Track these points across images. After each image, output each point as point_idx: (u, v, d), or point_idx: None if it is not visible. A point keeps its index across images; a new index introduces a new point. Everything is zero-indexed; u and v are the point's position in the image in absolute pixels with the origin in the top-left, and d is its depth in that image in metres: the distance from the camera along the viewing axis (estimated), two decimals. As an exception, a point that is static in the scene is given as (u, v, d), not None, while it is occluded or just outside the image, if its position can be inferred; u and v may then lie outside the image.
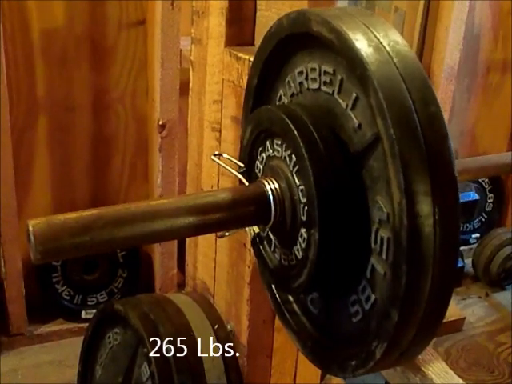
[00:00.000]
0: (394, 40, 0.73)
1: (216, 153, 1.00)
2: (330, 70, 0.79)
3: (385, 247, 0.73)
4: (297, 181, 0.80)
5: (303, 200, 0.79)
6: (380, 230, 0.73)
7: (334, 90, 0.78)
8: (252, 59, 0.97)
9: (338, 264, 0.79)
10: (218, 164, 0.97)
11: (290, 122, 0.79)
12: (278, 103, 0.91)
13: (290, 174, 0.81)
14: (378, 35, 0.73)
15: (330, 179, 0.76)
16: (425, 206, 0.67)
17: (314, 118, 0.79)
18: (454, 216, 0.70)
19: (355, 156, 0.76)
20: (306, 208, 0.78)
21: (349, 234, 0.77)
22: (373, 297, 0.77)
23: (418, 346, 0.79)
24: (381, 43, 0.72)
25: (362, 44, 0.72)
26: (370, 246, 0.75)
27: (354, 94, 0.75)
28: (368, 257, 0.76)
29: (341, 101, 0.77)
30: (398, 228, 0.69)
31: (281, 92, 0.91)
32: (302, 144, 0.77)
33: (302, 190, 0.79)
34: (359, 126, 0.75)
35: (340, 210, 0.76)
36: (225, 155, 0.98)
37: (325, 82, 0.80)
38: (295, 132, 0.78)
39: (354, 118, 0.75)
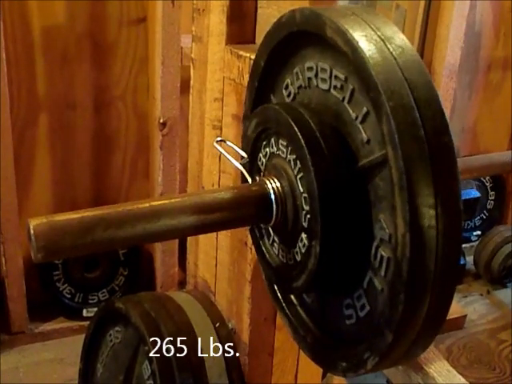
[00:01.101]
0: (410, 60, 0.71)
1: (219, 138, 1.00)
2: (342, 76, 0.77)
3: (384, 265, 0.72)
4: (300, 187, 0.79)
5: (306, 207, 0.78)
6: (380, 247, 0.73)
7: (344, 98, 0.77)
8: (253, 57, 0.97)
9: (337, 273, 0.79)
10: (220, 154, 0.96)
11: (297, 129, 0.77)
12: (284, 91, 0.90)
13: (293, 178, 0.80)
14: (394, 53, 0.71)
15: (334, 192, 0.75)
16: (429, 241, 0.67)
17: (321, 124, 0.78)
18: (456, 248, 0.69)
19: (361, 171, 0.75)
20: (309, 217, 0.77)
21: (349, 247, 0.76)
22: (368, 307, 0.77)
23: (410, 357, 0.79)
24: (397, 64, 0.70)
25: (377, 65, 0.69)
26: (369, 259, 0.75)
27: (365, 109, 0.73)
28: (366, 269, 0.76)
29: (350, 111, 0.76)
30: (399, 257, 0.68)
31: (288, 80, 0.89)
32: (308, 156, 0.76)
33: (305, 198, 0.78)
34: (368, 141, 0.73)
35: (342, 223, 0.75)
36: (228, 143, 0.97)
37: (335, 87, 0.78)
38: (302, 141, 0.76)
39: (363, 133, 0.74)
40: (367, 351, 0.74)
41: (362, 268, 0.76)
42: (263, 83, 0.94)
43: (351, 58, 0.72)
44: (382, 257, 0.72)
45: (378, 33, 0.73)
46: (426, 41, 1.82)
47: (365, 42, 0.72)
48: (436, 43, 1.82)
